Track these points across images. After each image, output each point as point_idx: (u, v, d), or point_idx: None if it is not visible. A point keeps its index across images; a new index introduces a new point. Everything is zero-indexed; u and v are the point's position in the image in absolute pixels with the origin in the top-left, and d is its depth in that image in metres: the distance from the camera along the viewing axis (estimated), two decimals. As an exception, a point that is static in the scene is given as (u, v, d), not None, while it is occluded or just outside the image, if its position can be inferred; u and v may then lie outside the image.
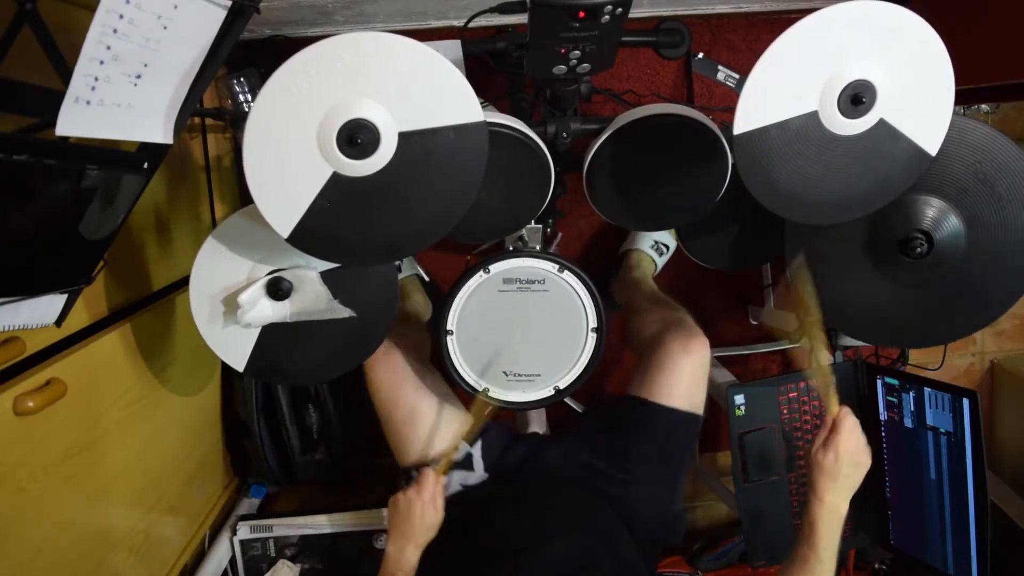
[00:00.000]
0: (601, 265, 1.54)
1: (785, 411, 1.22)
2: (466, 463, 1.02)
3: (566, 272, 0.96)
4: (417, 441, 1.00)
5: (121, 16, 0.56)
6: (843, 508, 0.82)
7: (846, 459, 0.82)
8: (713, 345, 1.04)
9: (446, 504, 0.93)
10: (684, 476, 1.01)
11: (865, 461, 0.83)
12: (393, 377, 1.02)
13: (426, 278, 1.50)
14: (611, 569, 0.86)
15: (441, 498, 0.91)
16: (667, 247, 1.47)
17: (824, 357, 0.87)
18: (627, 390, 1.06)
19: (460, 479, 1.00)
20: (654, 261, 1.47)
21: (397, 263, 1.10)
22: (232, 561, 1.26)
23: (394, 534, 0.90)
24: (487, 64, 1.25)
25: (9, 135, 0.58)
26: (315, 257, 0.79)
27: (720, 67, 1.41)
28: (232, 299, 0.85)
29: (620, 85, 1.44)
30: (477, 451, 1.02)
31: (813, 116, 0.73)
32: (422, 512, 0.88)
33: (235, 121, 1.20)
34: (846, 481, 0.82)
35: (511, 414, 1.54)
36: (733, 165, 0.92)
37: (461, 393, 1.04)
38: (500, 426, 1.07)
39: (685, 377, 1.00)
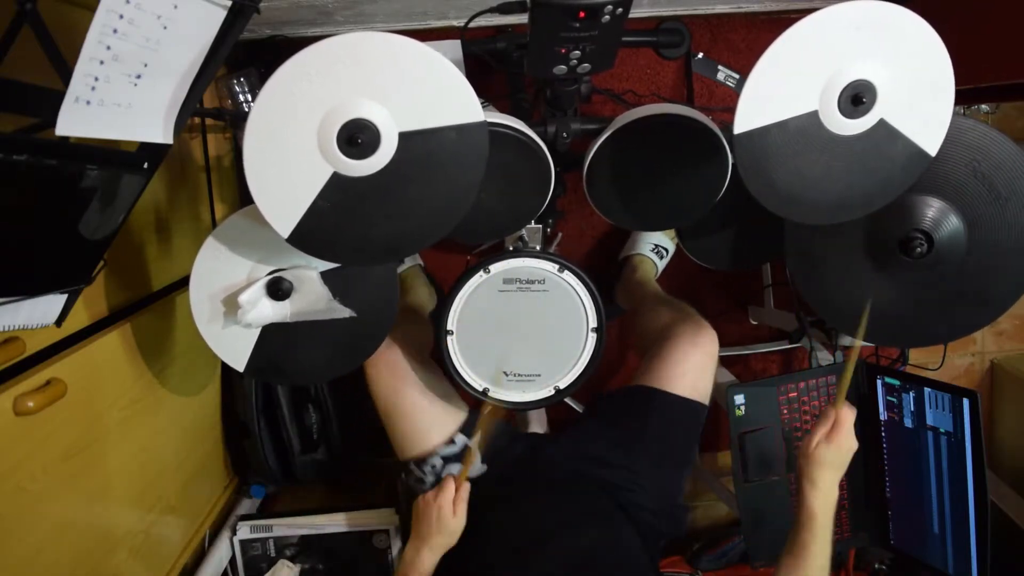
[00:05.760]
0: (602, 266, 1.54)
1: (785, 411, 1.22)
2: (462, 457, 1.02)
3: (566, 272, 0.96)
4: (418, 436, 1.01)
5: (121, 16, 0.56)
6: (836, 491, 0.87)
7: (846, 454, 0.86)
8: (713, 345, 1.05)
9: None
10: (687, 469, 1.01)
11: (854, 448, 0.87)
12: (393, 374, 1.02)
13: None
14: (615, 563, 0.86)
15: (463, 505, 0.90)
16: (666, 250, 1.48)
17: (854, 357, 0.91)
18: (632, 382, 1.06)
19: (456, 472, 1.00)
20: (655, 264, 1.47)
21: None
22: (232, 561, 1.26)
23: (413, 535, 0.91)
24: (487, 64, 1.25)
25: (9, 135, 0.58)
26: (315, 257, 0.79)
27: (720, 67, 1.40)
28: (232, 299, 0.85)
29: (620, 85, 1.44)
30: (474, 444, 1.02)
31: (813, 116, 0.73)
32: (439, 516, 0.89)
33: (235, 121, 1.20)
34: (841, 470, 0.87)
35: (511, 414, 1.54)
36: (733, 165, 0.92)
37: (462, 390, 1.04)
38: (498, 421, 1.07)
39: (692, 368, 1.01)
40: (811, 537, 0.84)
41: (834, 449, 0.85)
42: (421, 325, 1.34)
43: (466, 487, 0.92)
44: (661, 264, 1.48)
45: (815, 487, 0.85)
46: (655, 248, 1.47)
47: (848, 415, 0.86)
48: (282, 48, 1.28)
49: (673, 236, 1.48)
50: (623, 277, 1.46)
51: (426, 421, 1.01)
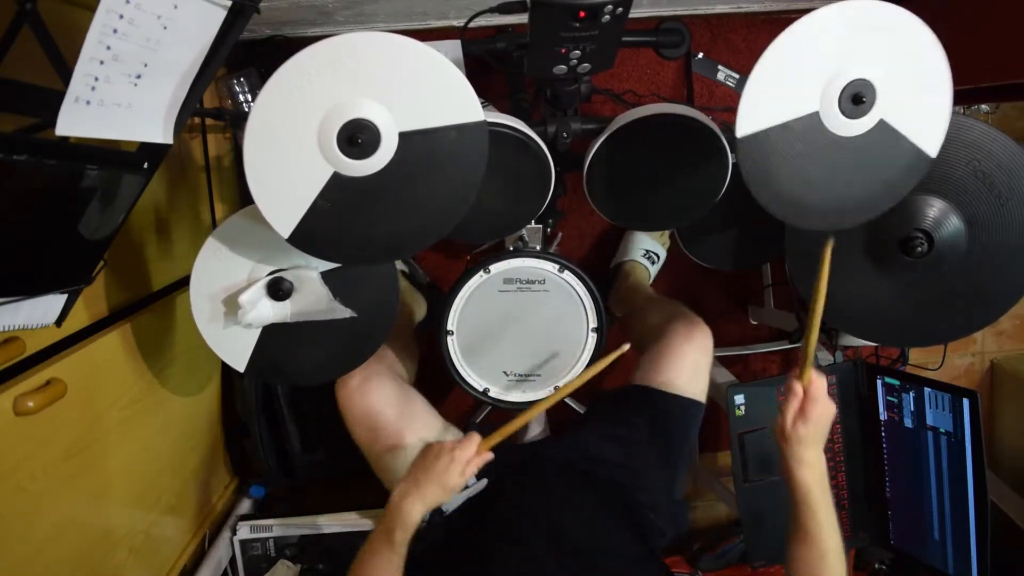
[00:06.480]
0: (601, 266, 1.54)
1: (785, 411, 1.22)
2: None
3: (566, 272, 0.96)
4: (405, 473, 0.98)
5: (121, 16, 0.56)
6: (823, 460, 0.81)
7: (825, 422, 0.80)
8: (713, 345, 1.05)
9: (449, 515, 0.92)
10: (686, 466, 1.01)
11: (832, 414, 0.81)
12: (367, 430, 0.98)
13: (414, 272, 1.49)
14: (621, 558, 0.86)
15: (474, 468, 0.85)
16: (658, 255, 1.48)
17: (817, 322, 0.81)
18: (629, 380, 1.06)
19: (460, 495, 0.99)
20: (647, 269, 1.47)
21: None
22: (232, 561, 1.26)
23: (408, 480, 0.85)
24: (487, 64, 1.25)
25: (9, 135, 0.58)
26: (315, 257, 0.79)
27: (720, 67, 1.41)
28: (232, 299, 0.85)
29: (620, 85, 1.44)
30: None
31: (814, 117, 0.73)
32: (447, 467, 0.82)
33: (235, 121, 1.20)
34: (823, 439, 0.81)
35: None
36: (733, 165, 0.92)
37: (448, 411, 1.03)
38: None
39: (688, 365, 1.01)
40: (814, 515, 0.79)
41: (812, 424, 0.79)
42: (401, 340, 1.31)
43: (487, 455, 0.86)
44: (654, 270, 1.48)
45: (803, 464, 0.79)
46: (647, 254, 1.46)
47: (818, 384, 0.79)
48: (282, 48, 1.28)
49: (665, 242, 1.48)
50: (615, 285, 1.46)
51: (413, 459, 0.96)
